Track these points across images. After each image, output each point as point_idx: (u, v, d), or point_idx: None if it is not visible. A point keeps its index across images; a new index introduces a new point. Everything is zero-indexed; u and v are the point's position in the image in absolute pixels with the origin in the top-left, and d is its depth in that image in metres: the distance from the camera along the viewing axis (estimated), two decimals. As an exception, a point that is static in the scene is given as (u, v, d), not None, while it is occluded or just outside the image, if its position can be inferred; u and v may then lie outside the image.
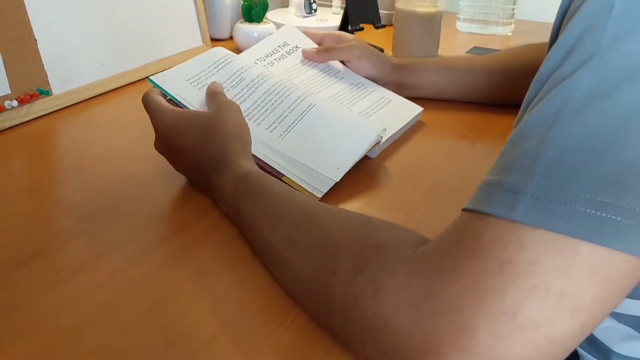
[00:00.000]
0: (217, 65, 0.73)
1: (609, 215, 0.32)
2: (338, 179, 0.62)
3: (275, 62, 0.83)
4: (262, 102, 0.69)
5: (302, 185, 0.62)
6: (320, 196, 0.62)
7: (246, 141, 0.60)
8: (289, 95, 0.70)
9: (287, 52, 0.85)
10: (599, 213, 0.32)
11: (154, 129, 0.62)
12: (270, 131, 0.67)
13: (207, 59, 0.73)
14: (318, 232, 0.46)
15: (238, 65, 0.73)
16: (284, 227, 0.48)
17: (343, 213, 0.49)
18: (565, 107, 0.34)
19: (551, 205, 0.33)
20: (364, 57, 0.85)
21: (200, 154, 0.58)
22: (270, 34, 0.88)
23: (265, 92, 0.70)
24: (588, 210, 0.32)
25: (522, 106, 0.39)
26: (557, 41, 0.37)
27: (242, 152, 0.58)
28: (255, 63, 0.80)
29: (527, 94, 0.39)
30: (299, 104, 0.69)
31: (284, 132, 0.67)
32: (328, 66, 0.85)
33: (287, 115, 0.68)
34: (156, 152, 0.64)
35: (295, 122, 0.68)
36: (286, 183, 0.61)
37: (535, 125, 0.35)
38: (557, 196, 0.33)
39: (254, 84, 0.71)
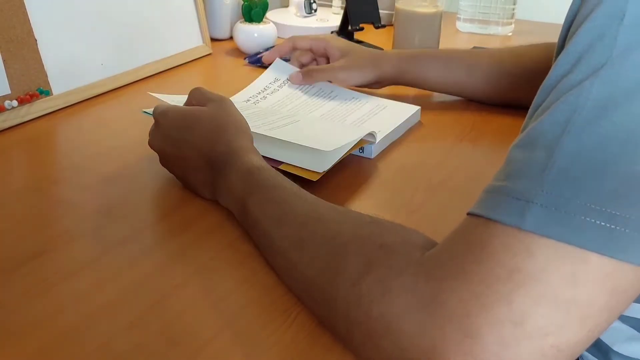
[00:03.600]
0: None
1: (618, 227, 0.32)
2: (328, 167, 0.62)
3: (268, 96, 0.86)
4: None
5: (301, 166, 0.62)
6: (321, 171, 0.61)
7: (250, 137, 0.61)
8: (269, 117, 0.71)
9: (279, 87, 0.88)
10: (608, 225, 0.32)
11: (155, 123, 0.62)
12: (256, 128, 0.67)
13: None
14: (326, 231, 0.46)
15: None
16: (291, 223, 0.48)
17: (351, 213, 0.49)
18: (576, 117, 0.34)
19: (561, 216, 0.33)
20: (351, 71, 0.86)
21: (207, 149, 0.58)
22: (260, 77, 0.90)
23: (246, 116, 0.70)
24: (598, 222, 0.32)
25: (530, 112, 0.39)
26: (566, 48, 0.37)
27: (250, 148, 0.58)
28: (248, 100, 0.82)
29: (534, 99, 0.38)
30: (281, 120, 0.71)
31: (271, 129, 0.68)
32: (320, 89, 0.87)
33: (271, 125, 0.70)
34: (156, 152, 0.63)
35: (281, 127, 0.69)
36: (283, 172, 0.60)
37: (543, 132, 0.35)
38: (566, 206, 0.33)
39: None
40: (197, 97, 0.63)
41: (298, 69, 0.90)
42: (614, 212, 0.32)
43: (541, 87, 0.38)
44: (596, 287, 0.33)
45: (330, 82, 0.89)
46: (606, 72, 0.34)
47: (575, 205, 0.33)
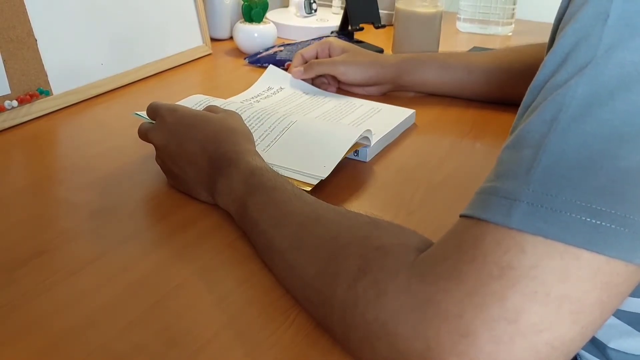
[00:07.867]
0: (198, 104, 0.74)
1: (604, 223, 0.32)
2: (325, 176, 0.62)
3: (262, 100, 0.86)
4: None
5: (294, 178, 0.62)
6: (315, 183, 0.62)
7: (255, 144, 0.62)
8: (268, 118, 0.72)
9: (272, 94, 0.89)
10: (594, 221, 0.32)
11: (160, 118, 0.62)
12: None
13: (188, 102, 0.75)
14: (324, 232, 0.46)
15: (218, 102, 0.75)
16: (290, 224, 0.48)
17: (350, 214, 0.49)
18: (561, 115, 0.34)
19: (546, 213, 0.33)
20: (351, 65, 0.88)
21: (212, 148, 0.58)
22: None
23: (245, 120, 0.70)
24: (583, 218, 0.32)
25: (519, 112, 0.39)
26: (553, 48, 0.37)
27: (254, 152, 0.60)
28: (243, 102, 0.82)
29: (523, 100, 0.39)
30: (279, 123, 0.71)
31: (267, 146, 0.68)
32: (314, 95, 0.88)
33: (269, 133, 0.70)
34: (156, 152, 0.63)
35: (278, 137, 0.69)
36: None
37: (531, 132, 0.36)
38: (552, 203, 0.33)
39: None
40: (209, 108, 0.66)
41: (291, 76, 0.91)
42: (599, 208, 0.32)
43: (529, 87, 0.38)
44: (587, 282, 0.33)
45: (330, 75, 0.89)
46: (591, 71, 0.34)
47: (560, 202, 0.33)
